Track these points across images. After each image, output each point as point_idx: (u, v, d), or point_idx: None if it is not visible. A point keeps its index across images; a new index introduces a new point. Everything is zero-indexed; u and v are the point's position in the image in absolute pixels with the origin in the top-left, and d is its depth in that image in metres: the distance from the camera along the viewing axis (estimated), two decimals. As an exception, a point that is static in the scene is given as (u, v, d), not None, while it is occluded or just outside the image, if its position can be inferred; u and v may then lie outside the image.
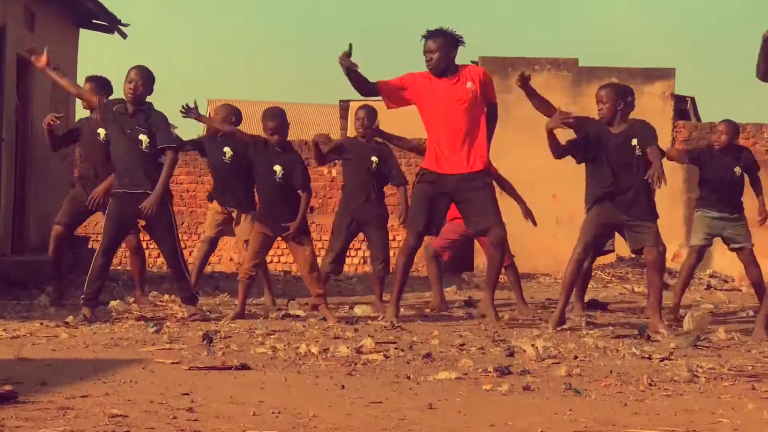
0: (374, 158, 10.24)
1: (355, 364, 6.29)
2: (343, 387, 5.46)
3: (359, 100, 26.78)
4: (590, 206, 9.14)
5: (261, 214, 9.26)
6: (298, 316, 9.45)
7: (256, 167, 9.24)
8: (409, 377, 5.78)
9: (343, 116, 26.91)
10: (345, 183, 10.54)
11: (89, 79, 10.45)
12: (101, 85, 10.20)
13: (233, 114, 10.48)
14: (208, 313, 9.44)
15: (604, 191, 8.92)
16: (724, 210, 10.23)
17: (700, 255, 10.35)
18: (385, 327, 8.54)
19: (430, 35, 8.83)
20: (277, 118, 9.20)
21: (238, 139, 9.63)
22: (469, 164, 8.81)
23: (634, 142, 8.85)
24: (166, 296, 11.50)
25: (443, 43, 8.80)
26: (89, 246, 15.08)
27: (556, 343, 7.61)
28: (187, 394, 5.20)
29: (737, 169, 10.21)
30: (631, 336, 8.34)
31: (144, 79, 9.00)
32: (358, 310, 10.22)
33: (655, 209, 9.10)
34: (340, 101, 26.39)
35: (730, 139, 10.27)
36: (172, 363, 6.24)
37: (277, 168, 9.08)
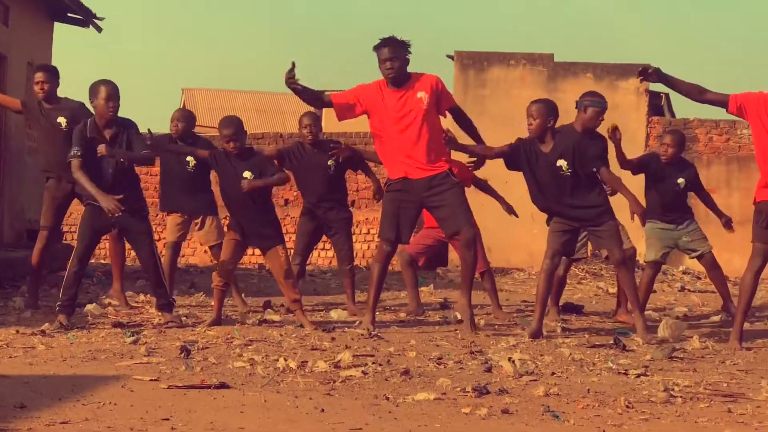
0: (330, 162, 10.30)
1: (334, 381, 6.30)
2: (323, 410, 5.48)
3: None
4: (548, 217, 9.29)
5: (233, 222, 9.22)
6: (274, 321, 9.47)
7: (223, 179, 9.20)
8: (388, 398, 5.80)
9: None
10: (304, 189, 10.54)
11: (39, 68, 10.42)
12: (52, 73, 10.19)
13: (186, 120, 10.41)
14: (184, 318, 9.43)
15: (545, 206, 9.06)
16: (672, 220, 10.28)
17: (657, 269, 10.42)
18: (362, 335, 8.57)
19: (387, 44, 8.80)
20: (232, 126, 9.12)
21: (198, 156, 9.67)
22: (432, 168, 8.87)
23: (561, 162, 8.89)
24: (142, 296, 11.51)
25: (402, 52, 8.82)
26: (64, 240, 15.02)
27: (532, 355, 7.65)
28: (167, 419, 5.21)
29: (681, 181, 10.25)
30: (607, 345, 8.39)
31: (118, 98, 9.02)
32: (334, 314, 10.24)
33: (609, 207, 9.14)
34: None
35: (676, 152, 10.31)
36: (151, 380, 6.24)
37: (248, 174, 9.04)
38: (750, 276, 8.64)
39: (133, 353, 7.29)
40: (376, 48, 8.81)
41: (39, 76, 10.06)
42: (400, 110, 8.76)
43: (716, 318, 10.76)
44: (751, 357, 8.21)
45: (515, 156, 9.05)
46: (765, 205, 8.50)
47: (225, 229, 9.72)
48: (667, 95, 21.66)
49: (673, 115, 22.25)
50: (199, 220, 10.58)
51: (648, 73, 8.57)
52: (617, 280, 10.12)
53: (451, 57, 20.37)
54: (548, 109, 9.03)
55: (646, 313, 10.76)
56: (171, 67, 79.59)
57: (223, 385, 6.06)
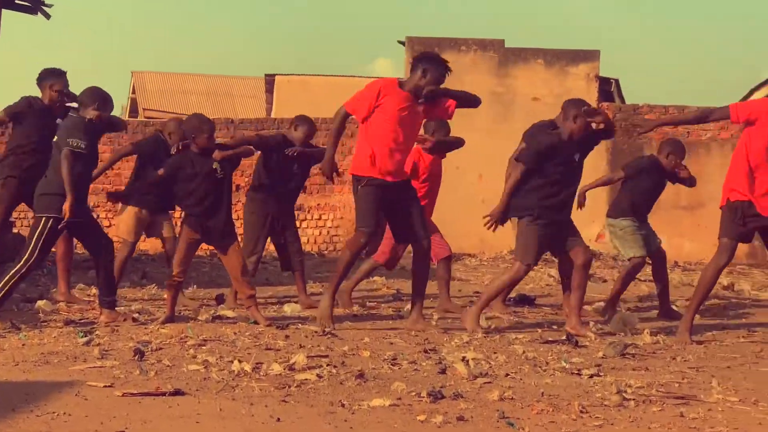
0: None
1: (289, 386, 6.29)
2: (278, 420, 5.47)
3: (285, 74, 26.70)
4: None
5: (193, 222, 9.16)
6: (228, 317, 9.45)
7: (186, 179, 9.18)
8: (343, 405, 5.81)
9: (269, 90, 26.79)
10: (261, 183, 10.54)
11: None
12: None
13: (178, 131, 10.43)
14: (137, 315, 9.39)
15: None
16: (645, 219, 10.44)
17: (643, 264, 10.52)
18: (316, 332, 8.58)
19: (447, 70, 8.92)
20: (210, 122, 9.27)
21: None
22: (405, 172, 9.03)
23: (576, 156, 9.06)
24: (94, 289, 11.43)
25: None
26: (14, 231, 14.88)
27: (486, 353, 7.69)
28: (123, 431, 5.19)
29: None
30: (560, 341, 8.45)
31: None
32: (288, 309, 10.25)
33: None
34: (266, 75, 26.29)
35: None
36: (105, 386, 6.20)
37: (216, 166, 9.12)
38: (712, 271, 8.75)
39: (86, 356, 7.24)
40: (440, 66, 8.84)
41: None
42: (412, 112, 8.84)
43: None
44: (701, 352, 8.30)
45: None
46: (740, 204, 8.60)
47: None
48: (617, 81, 21.75)
49: (623, 101, 22.34)
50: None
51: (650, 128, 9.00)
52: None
53: (402, 43, 20.36)
54: None
55: (597, 304, 10.91)
56: (120, 50, 79.01)
57: (178, 392, 6.04)
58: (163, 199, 10.46)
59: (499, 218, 9.05)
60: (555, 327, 9.48)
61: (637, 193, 10.37)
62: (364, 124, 8.86)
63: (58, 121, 9.80)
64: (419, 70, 8.78)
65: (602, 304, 10.92)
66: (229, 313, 9.61)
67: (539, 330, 9.26)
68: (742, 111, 8.65)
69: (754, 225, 8.71)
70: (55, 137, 9.02)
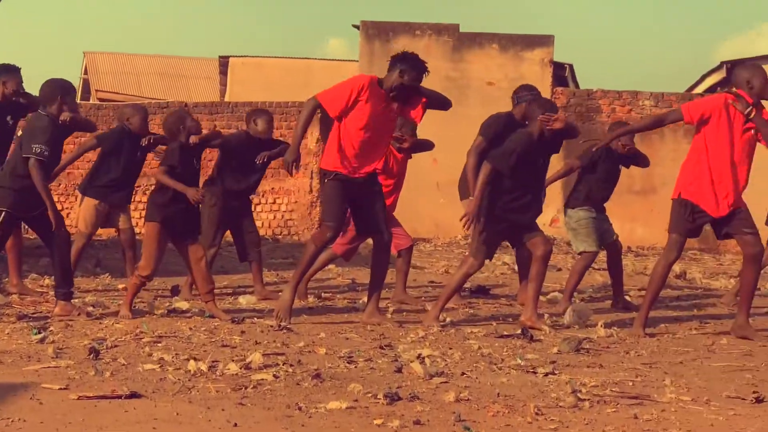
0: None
1: (246, 387, 6.28)
2: (235, 425, 5.47)
3: (239, 56, 26.60)
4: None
5: (165, 218, 9.08)
6: (183, 310, 9.44)
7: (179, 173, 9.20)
8: (300, 408, 5.81)
9: (223, 72, 26.71)
10: (221, 177, 10.53)
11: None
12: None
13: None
14: (91, 308, 9.35)
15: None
16: (602, 209, 10.50)
17: (594, 258, 10.58)
18: (272, 327, 8.59)
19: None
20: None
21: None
22: (375, 168, 9.06)
23: None
24: (47, 279, 11.38)
25: None
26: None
27: (442, 350, 7.72)
28: (79, 439, 5.18)
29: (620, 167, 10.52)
30: (515, 336, 8.50)
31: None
32: (243, 300, 10.26)
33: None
34: (220, 57, 26.19)
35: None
36: (60, 389, 6.17)
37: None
38: (662, 267, 8.83)
39: (40, 355, 7.20)
40: (417, 67, 8.80)
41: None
42: (388, 111, 8.84)
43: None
44: (654, 346, 8.38)
45: None
46: (690, 201, 8.70)
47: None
48: (571, 66, 21.86)
49: (577, 86, 22.46)
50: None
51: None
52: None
53: (356, 27, 20.34)
54: None
55: (552, 294, 10.98)
56: (72, 30, 78.32)
57: (134, 395, 6.02)
58: (124, 192, 10.46)
59: (475, 218, 8.99)
60: (510, 320, 9.54)
61: (593, 181, 10.42)
62: (339, 119, 8.81)
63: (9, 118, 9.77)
64: (397, 71, 8.73)
65: (557, 294, 11.00)
66: (184, 305, 9.58)
67: (494, 323, 9.32)
68: (694, 111, 8.70)
69: (703, 221, 8.81)
70: (19, 131, 8.99)
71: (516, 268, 13.16)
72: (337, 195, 8.84)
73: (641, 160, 10.61)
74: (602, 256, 11.01)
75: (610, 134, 9.34)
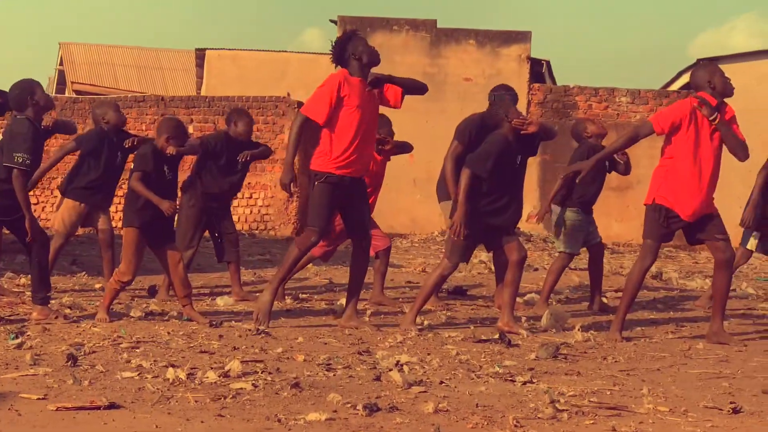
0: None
1: (225, 397, 6.27)
2: (215, 438, 5.48)
3: (216, 49, 26.50)
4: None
5: (144, 223, 9.06)
6: (160, 313, 9.44)
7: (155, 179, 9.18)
8: (279, 420, 5.81)
9: (199, 64, 26.60)
10: (201, 178, 10.52)
11: None
12: None
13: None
14: (68, 311, 9.33)
15: None
16: (590, 210, 10.53)
17: (571, 260, 10.61)
18: (249, 331, 8.59)
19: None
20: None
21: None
22: (367, 167, 9.08)
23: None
24: (23, 278, 11.35)
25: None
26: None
27: (420, 356, 7.73)
28: (58, 454, 5.17)
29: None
30: (492, 340, 8.53)
31: None
32: (221, 302, 10.25)
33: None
34: (197, 49, 26.10)
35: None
36: (39, 399, 6.15)
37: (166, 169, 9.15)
38: (638, 274, 8.87)
39: (18, 362, 7.17)
40: (362, 42, 8.83)
41: None
42: (371, 101, 8.86)
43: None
44: (631, 351, 8.41)
45: None
46: (664, 207, 8.73)
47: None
48: (548, 62, 21.89)
49: (554, 82, 22.50)
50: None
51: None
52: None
53: (334, 22, 20.32)
54: None
55: (528, 296, 11.02)
56: (48, 21, 77.90)
57: (113, 405, 6.00)
58: (104, 193, 10.44)
59: (461, 226, 8.98)
60: (487, 323, 9.57)
61: (583, 185, 10.43)
62: (328, 124, 8.79)
63: None
64: (352, 56, 8.73)
65: (534, 295, 11.04)
66: (160, 307, 9.60)
67: (472, 326, 9.34)
68: (663, 121, 8.73)
69: (676, 226, 8.85)
70: (0, 136, 8.97)
71: (492, 267, 13.23)
72: (326, 199, 8.83)
73: (624, 168, 10.64)
74: (583, 255, 11.05)
75: (588, 162, 9.26)
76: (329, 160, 8.77)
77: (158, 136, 9.17)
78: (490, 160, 8.99)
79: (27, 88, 9.00)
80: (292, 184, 8.84)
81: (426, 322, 9.28)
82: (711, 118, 8.63)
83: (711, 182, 8.78)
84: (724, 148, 8.81)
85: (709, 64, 9.12)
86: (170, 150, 9.08)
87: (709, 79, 8.71)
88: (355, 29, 8.80)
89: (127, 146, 10.38)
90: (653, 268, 13.33)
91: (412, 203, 19.47)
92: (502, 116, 9.06)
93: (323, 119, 8.71)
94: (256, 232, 19.85)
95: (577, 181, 9.33)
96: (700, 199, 8.73)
